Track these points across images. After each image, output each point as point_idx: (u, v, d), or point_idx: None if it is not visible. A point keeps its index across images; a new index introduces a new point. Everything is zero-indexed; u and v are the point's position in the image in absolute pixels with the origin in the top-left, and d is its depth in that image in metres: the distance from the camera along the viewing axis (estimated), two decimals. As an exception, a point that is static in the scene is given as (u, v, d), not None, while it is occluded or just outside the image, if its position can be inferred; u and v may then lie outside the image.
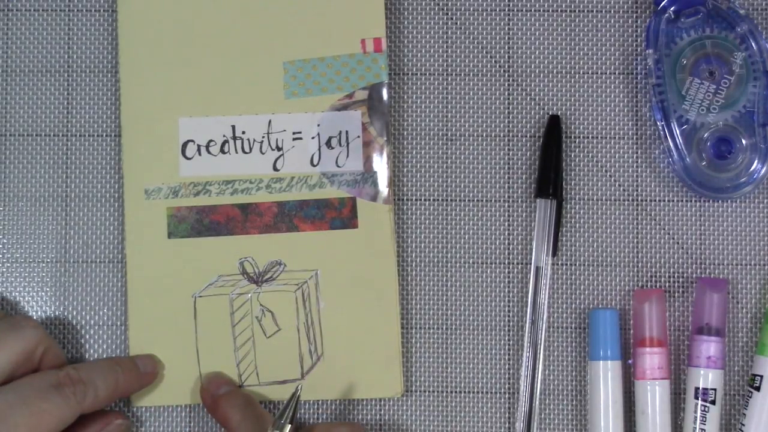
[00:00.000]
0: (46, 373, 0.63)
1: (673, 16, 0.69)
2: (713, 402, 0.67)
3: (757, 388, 0.67)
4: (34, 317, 0.70)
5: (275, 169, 0.69)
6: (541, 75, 0.71)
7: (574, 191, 0.70)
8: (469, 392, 0.70)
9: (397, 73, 0.71)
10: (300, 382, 0.68)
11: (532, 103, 0.71)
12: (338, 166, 0.69)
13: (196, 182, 0.69)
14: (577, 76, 0.71)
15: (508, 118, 0.71)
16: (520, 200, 0.71)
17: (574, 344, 0.70)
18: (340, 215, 0.69)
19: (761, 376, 0.67)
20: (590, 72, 0.71)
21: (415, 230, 0.70)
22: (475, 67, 0.71)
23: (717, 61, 0.69)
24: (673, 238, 0.70)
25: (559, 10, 0.71)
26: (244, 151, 0.69)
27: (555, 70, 0.71)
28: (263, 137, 0.69)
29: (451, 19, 0.71)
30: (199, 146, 0.69)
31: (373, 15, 0.69)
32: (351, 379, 0.69)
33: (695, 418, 0.67)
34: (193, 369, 0.69)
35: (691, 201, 0.70)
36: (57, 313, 0.70)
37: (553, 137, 0.70)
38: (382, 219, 0.69)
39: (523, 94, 0.71)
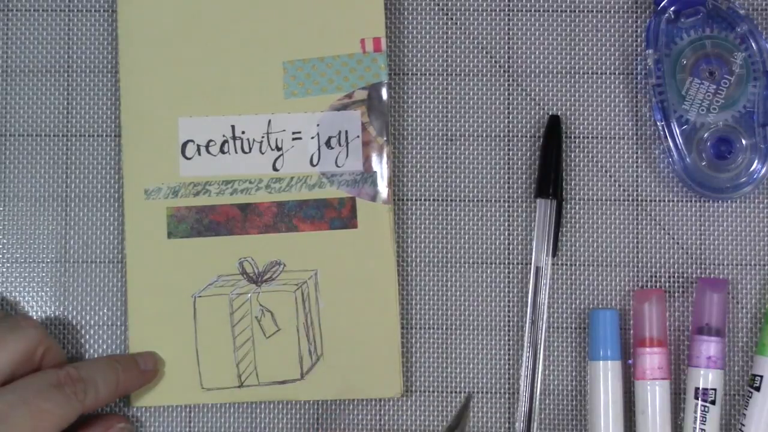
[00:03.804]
0: (46, 372, 0.63)
1: (673, 16, 0.69)
2: (713, 402, 0.67)
3: (757, 388, 0.67)
4: (34, 317, 0.70)
5: (275, 169, 0.69)
6: (541, 75, 0.71)
7: (574, 191, 0.70)
8: (469, 392, 0.70)
9: (397, 73, 0.71)
10: (471, 391, 0.69)
11: (532, 103, 0.71)
12: (338, 166, 0.69)
13: (195, 182, 0.69)
14: (577, 76, 0.71)
15: (508, 118, 0.71)
16: (520, 200, 0.71)
17: (574, 344, 0.70)
18: (339, 215, 0.69)
19: (761, 376, 0.67)
20: (590, 72, 0.71)
21: (415, 230, 0.70)
22: (475, 67, 0.71)
23: (717, 61, 0.69)
24: (673, 238, 0.70)
25: (559, 10, 0.71)
26: (243, 151, 0.69)
27: (555, 70, 0.71)
28: (263, 137, 0.69)
29: (451, 19, 0.71)
30: (198, 146, 0.69)
31: (372, 15, 0.69)
32: (351, 380, 0.69)
33: (695, 418, 0.67)
34: (192, 369, 0.69)
35: (691, 201, 0.70)
36: (57, 313, 0.70)
37: (553, 137, 0.70)
38: (382, 219, 0.69)
39: (523, 94, 0.71)
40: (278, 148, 0.69)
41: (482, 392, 0.70)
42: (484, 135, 0.71)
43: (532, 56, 0.71)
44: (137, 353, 0.68)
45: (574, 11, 0.71)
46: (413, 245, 0.70)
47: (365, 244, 0.69)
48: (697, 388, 0.67)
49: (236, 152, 0.69)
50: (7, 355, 0.62)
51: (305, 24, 0.69)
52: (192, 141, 0.69)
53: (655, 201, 0.70)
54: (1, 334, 0.63)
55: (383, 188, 0.69)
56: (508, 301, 0.70)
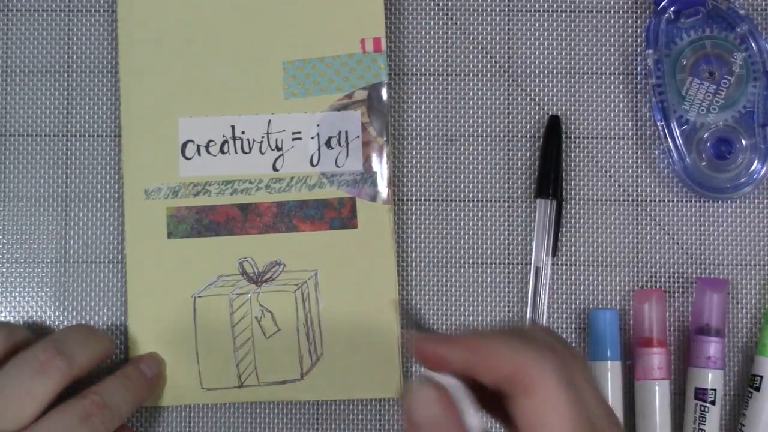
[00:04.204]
0: (74, 405, 0.62)
1: (673, 17, 0.69)
2: (713, 402, 0.67)
3: (757, 389, 0.67)
4: (34, 317, 0.70)
5: (275, 169, 0.69)
6: (541, 75, 0.71)
7: (574, 191, 0.70)
8: (469, 392, 0.70)
9: (397, 73, 0.71)
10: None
11: (532, 103, 0.71)
12: (338, 166, 0.69)
13: (195, 182, 0.69)
14: (577, 76, 0.71)
15: (508, 118, 0.71)
16: (520, 200, 0.71)
17: (574, 344, 0.70)
18: (339, 215, 0.69)
19: (761, 377, 0.67)
20: (590, 72, 0.71)
21: (415, 230, 0.70)
22: (475, 67, 0.71)
23: (717, 61, 0.69)
24: (673, 238, 0.70)
25: (559, 10, 0.71)
26: (243, 152, 0.69)
27: (555, 70, 0.71)
28: (263, 137, 0.69)
29: (451, 19, 0.71)
30: (198, 146, 0.69)
31: (372, 15, 0.69)
32: (350, 379, 0.69)
33: (695, 418, 0.67)
34: (192, 369, 0.69)
35: (691, 201, 0.70)
36: (57, 313, 0.70)
37: (553, 137, 0.70)
38: (382, 219, 0.69)
39: (523, 94, 0.71)
40: (278, 149, 0.69)
41: (482, 392, 0.70)
42: (484, 135, 0.71)
43: (532, 56, 0.71)
44: (139, 357, 0.68)
45: (574, 11, 0.71)
46: (413, 245, 0.70)
47: (365, 244, 0.69)
48: (697, 388, 0.67)
49: (236, 152, 0.69)
50: (39, 404, 0.61)
51: (305, 24, 0.69)
52: (192, 141, 0.69)
53: (655, 201, 0.70)
54: (28, 381, 0.61)
55: (383, 188, 0.69)
56: (508, 301, 0.70)
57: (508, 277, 0.70)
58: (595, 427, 0.50)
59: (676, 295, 0.70)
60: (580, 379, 0.51)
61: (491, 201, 0.71)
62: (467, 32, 0.71)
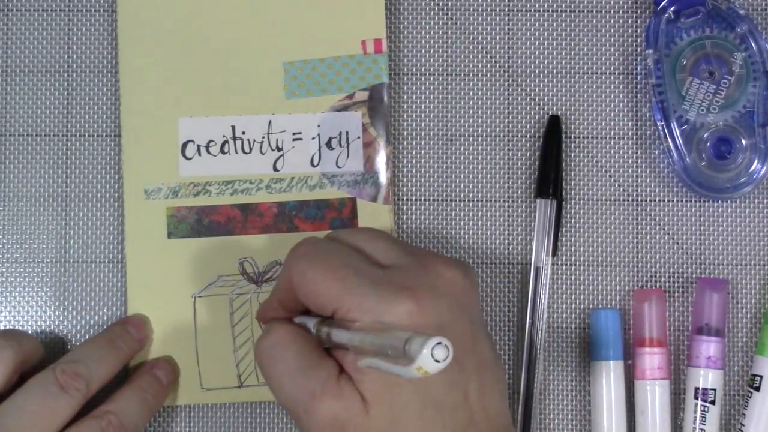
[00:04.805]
0: (90, 426, 0.62)
1: (673, 16, 0.69)
2: (713, 402, 0.67)
3: (757, 389, 0.67)
4: (34, 317, 0.70)
5: (275, 169, 0.69)
6: (541, 75, 0.71)
7: (574, 191, 0.71)
8: (469, 392, 0.70)
9: (397, 74, 0.71)
10: None
11: (532, 103, 0.71)
12: (338, 167, 0.69)
13: (195, 182, 0.69)
14: (577, 76, 0.71)
15: (508, 118, 0.71)
16: (520, 200, 0.71)
17: (574, 344, 0.70)
18: (340, 216, 0.69)
19: (761, 376, 0.67)
20: (590, 72, 0.71)
21: (415, 230, 0.70)
22: (475, 67, 0.71)
23: (717, 61, 0.69)
24: (673, 238, 0.70)
25: (559, 10, 0.71)
26: (244, 152, 0.69)
27: (555, 70, 0.71)
28: (263, 138, 0.69)
29: (451, 19, 0.71)
30: (198, 146, 0.69)
31: (373, 16, 0.69)
32: (351, 380, 0.69)
33: (695, 418, 0.67)
34: (192, 369, 0.69)
35: (691, 201, 0.70)
36: (57, 313, 0.70)
37: (553, 137, 0.70)
38: (383, 219, 0.69)
39: (523, 94, 0.71)
40: (279, 149, 0.69)
41: (482, 392, 0.70)
42: (484, 135, 0.71)
43: (532, 56, 0.71)
44: (154, 363, 0.68)
45: (574, 11, 0.71)
46: (414, 245, 0.70)
47: (365, 245, 0.69)
48: (696, 388, 0.68)
49: (236, 152, 0.69)
50: (61, 422, 0.62)
51: (306, 25, 0.69)
52: (192, 141, 0.69)
53: (655, 201, 0.70)
54: (51, 399, 0.62)
55: (384, 189, 0.69)
56: (508, 302, 0.70)
57: (508, 277, 0.70)
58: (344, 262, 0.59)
59: (676, 295, 0.70)
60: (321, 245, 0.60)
61: (491, 201, 0.71)
62: (467, 32, 0.71)
